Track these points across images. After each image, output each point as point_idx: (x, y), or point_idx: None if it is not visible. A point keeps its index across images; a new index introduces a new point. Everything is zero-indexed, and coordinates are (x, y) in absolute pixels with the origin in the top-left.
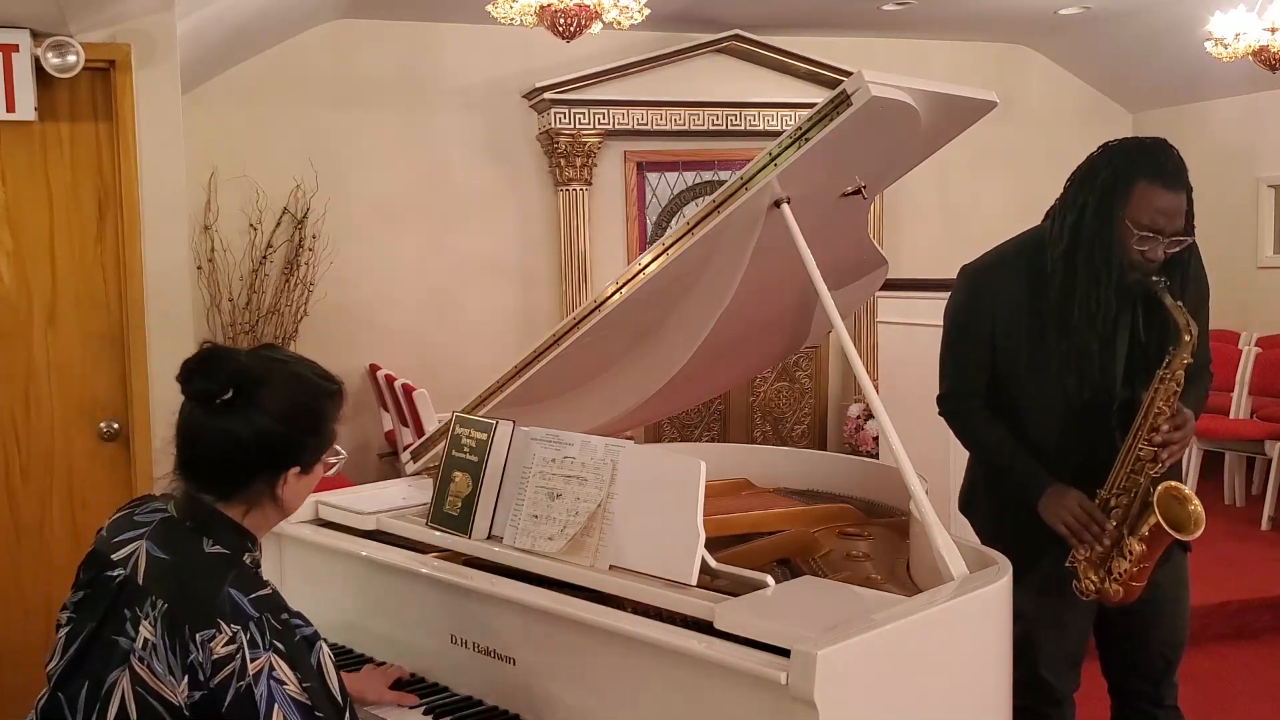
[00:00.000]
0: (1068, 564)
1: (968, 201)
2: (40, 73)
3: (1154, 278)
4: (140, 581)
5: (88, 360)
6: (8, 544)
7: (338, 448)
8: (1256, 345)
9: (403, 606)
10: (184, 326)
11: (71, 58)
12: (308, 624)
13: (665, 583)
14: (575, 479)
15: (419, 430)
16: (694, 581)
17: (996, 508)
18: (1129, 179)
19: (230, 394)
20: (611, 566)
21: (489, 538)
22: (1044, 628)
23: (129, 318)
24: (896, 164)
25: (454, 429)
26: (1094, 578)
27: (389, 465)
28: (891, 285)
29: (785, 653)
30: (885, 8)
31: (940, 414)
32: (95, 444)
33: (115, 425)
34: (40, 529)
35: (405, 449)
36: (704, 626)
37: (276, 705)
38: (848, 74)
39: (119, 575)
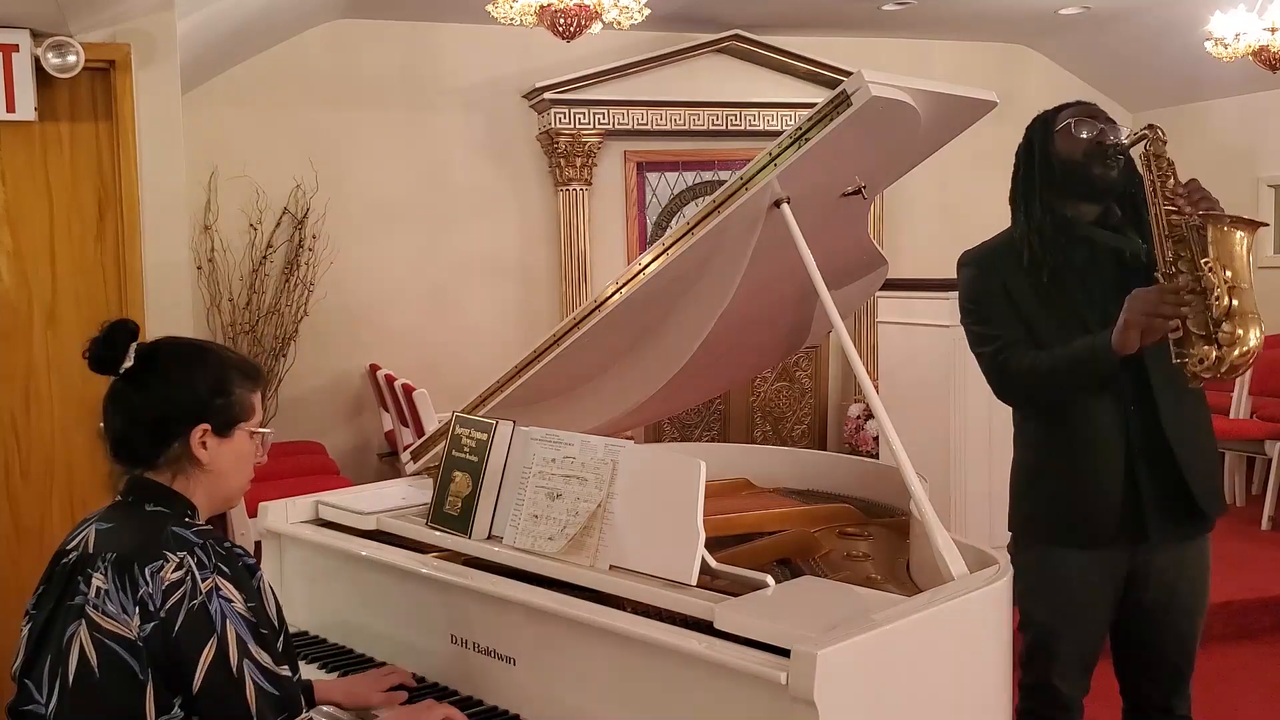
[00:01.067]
0: (1176, 359)
1: (968, 201)
2: (40, 73)
3: (1116, 150)
4: (90, 551)
5: None
6: (8, 544)
7: (265, 430)
8: None
9: (403, 606)
10: (184, 327)
11: (71, 58)
12: (248, 554)
13: (665, 583)
14: (575, 479)
15: (419, 430)
16: (694, 581)
17: (1029, 489)
18: (1048, 116)
19: (132, 361)
20: (611, 566)
21: (489, 538)
22: (1057, 635)
23: (129, 318)
24: (896, 164)
25: (454, 429)
26: (1205, 346)
27: (389, 465)
28: (891, 285)
29: (785, 653)
30: (885, 8)
31: (996, 382)
32: (95, 444)
33: None
34: (40, 529)
35: (405, 449)
36: (704, 626)
37: (228, 619)
38: (848, 74)
39: (72, 558)
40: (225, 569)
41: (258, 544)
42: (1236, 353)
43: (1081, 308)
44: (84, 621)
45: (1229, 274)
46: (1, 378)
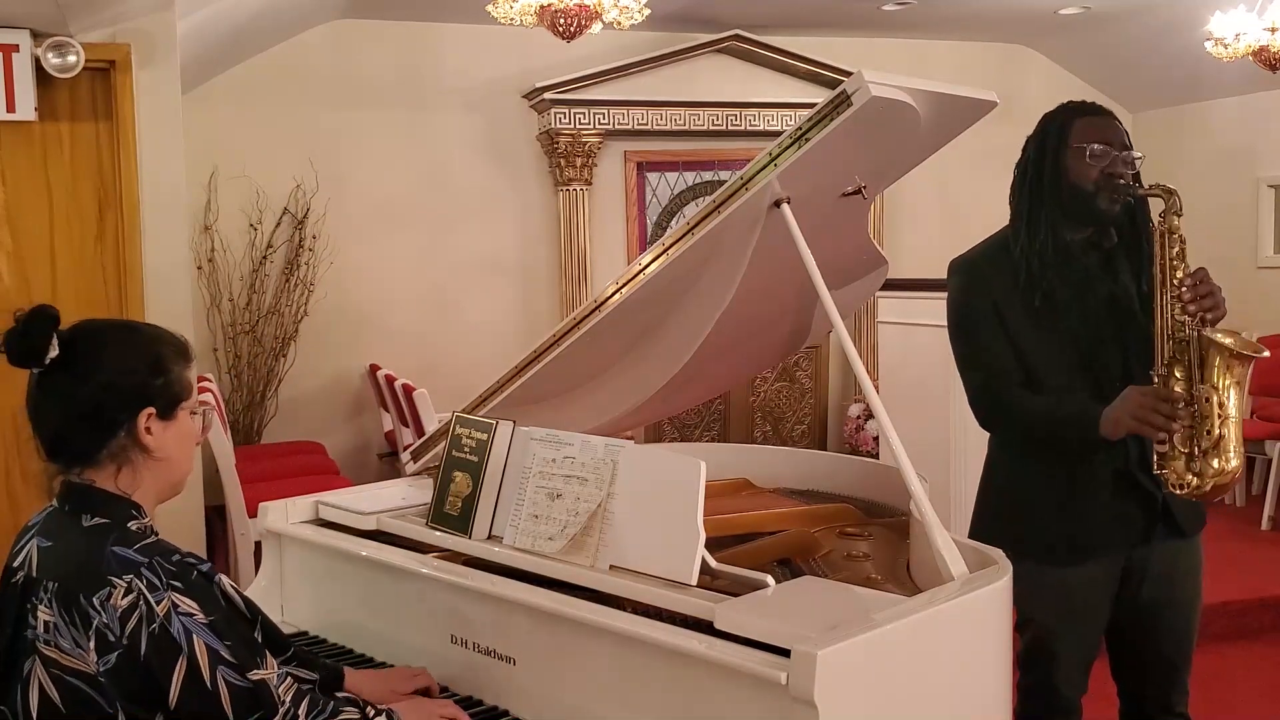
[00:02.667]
0: (1156, 471)
1: (968, 201)
2: (40, 73)
3: (1122, 184)
4: (34, 574)
5: None
6: (8, 545)
7: (203, 400)
8: None
9: (403, 606)
10: (184, 326)
11: (71, 58)
12: (203, 560)
13: (665, 583)
14: (575, 479)
15: (419, 430)
16: (694, 581)
17: (1014, 513)
18: (1064, 122)
19: (57, 350)
20: (611, 566)
21: (489, 538)
22: (1055, 635)
23: (129, 318)
24: (896, 164)
25: (454, 429)
26: (1186, 469)
27: (389, 465)
28: (891, 285)
29: (785, 653)
30: (885, 8)
31: (981, 414)
32: None
33: None
34: None
35: (405, 449)
36: (704, 626)
37: (195, 635)
38: (848, 74)
39: (20, 578)
40: (178, 584)
41: (258, 544)
42: (1211, 485)
43: (1075, 333)
44: (38, 658)
45: (1223, 405)
46: (1, 378)
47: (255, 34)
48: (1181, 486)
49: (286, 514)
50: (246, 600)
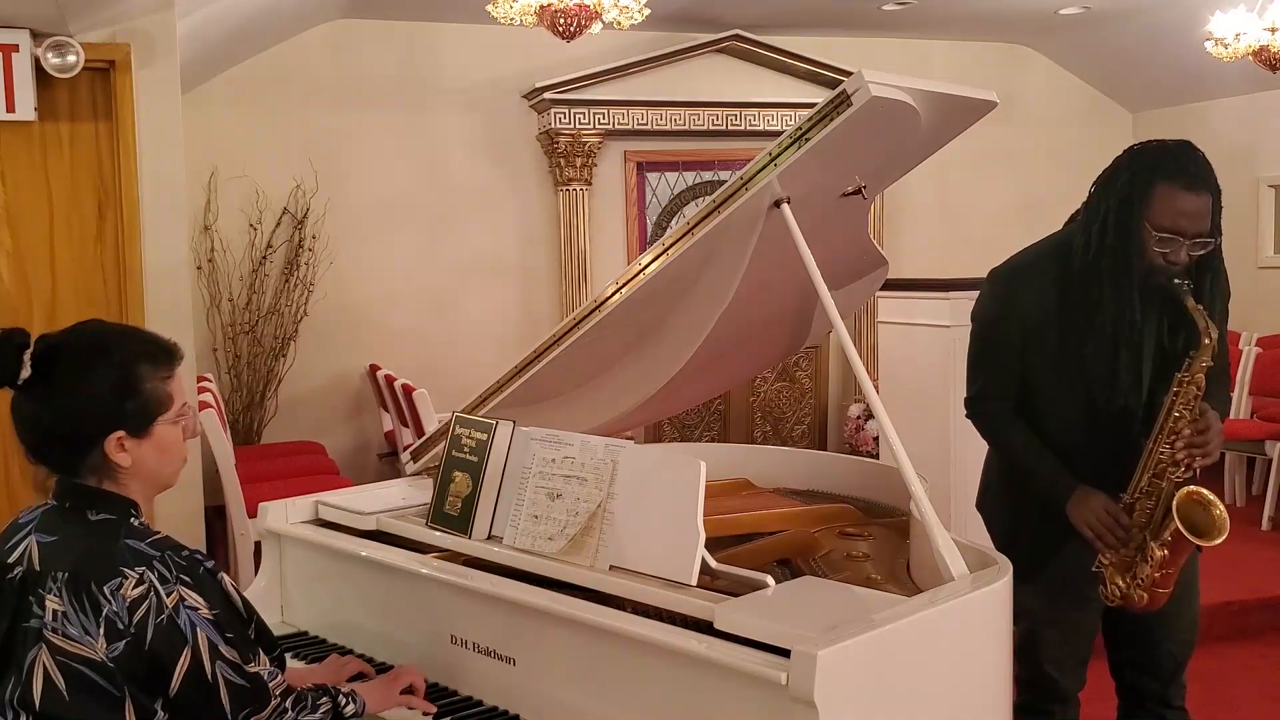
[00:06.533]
0: (1094, 568)
1: (968, 201)
2: (40, 73)
3: (1176, 280)
4: (38, 568)
5: None
6: None
7: (185, 404)
8: (1257, 345)
9: (403, 606)
10: (184, 326)
11: (71, 58)
12: (208, 557)
13: (665, 583)
14: (575, 479)
15: (419, 430)
16: (694, 581)
17: (1012, 508)
18: (1148, 181)
19: (29, 371)
20: (611, 567)
21: (489, 538)
22: (1050, 625)
23: (129, 318)
24: (896, 164)
25: (454, 429)
26: (1120, 582)
27: (389, 465)
28: (891, 285)
29: (785, 653)
30: (885, 8)
31: (967, 416)
32: None
33: None
34: None
35: (405, 449)
36: (704, 626)
37: (198, 628)
38: (848, 74)
39: (17, 574)
40: (187, 579)
41: (257, 544)
42: (1138, 606)
43: (1098, 366)
44: (44, 646)
45: (1165, 566)
46: None
47: (255, 34)
48: (1113, 597)
49: (286, 514)
50: (244, 599)
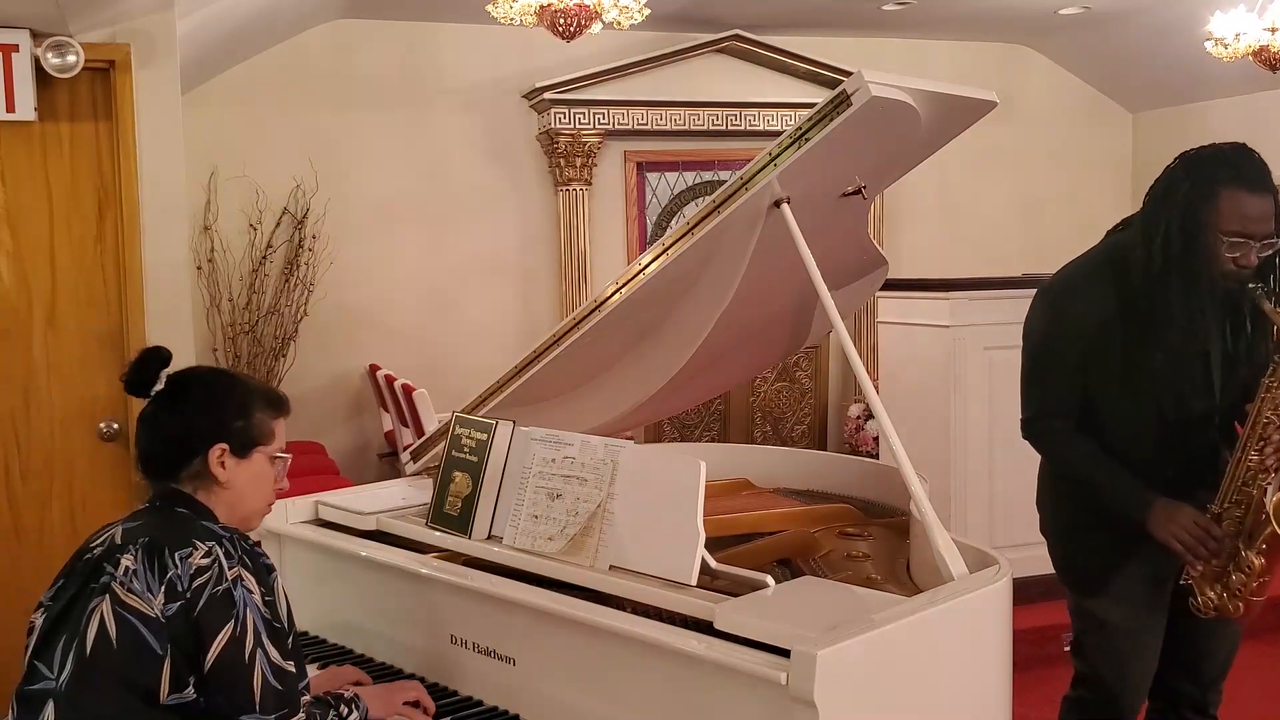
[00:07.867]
0: (1183, 580)
1: (968, 201)
2: (40, 73)
3: (1250, 285)
4: (119, 541)
5: (88, 360)
6: (8, 545)
7: (284, 455)
8: None
9: (403, 606)
10: (184, 326)
11: (71, 58)
12: (268, 557)
13: (665, 583)
14: (575, 479)
15: (419, 430)
16: (694, 581)
17: (1070, 526)
18: (1211, 189)
19: (162, 385)
20: (611, 567)
21: (489, 538)
22: (1126, 636)
23: (129, 318)
24: (896, 164)
25: (454, 429)
26: (1212, 594)
27: (389, 465)
28: (891, 285)
29: (785, 653)
30: (885, 8)
31: (1025, 437)
32: (95, 444)
33: (115, 425)
34: (40, 530)
35: (405, 449)
36: (704, 626)
37: (248, 608)
38: (848, 74)
39: (95, 552)
40: (248, 563)
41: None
42: (1234, 612)
43: (1169, 376)
44: (108, 596)
45: (1263, 575)
46: (1, 378)
47: (255, 34)
48: (1203, 608)
49: (286, 514)
50: (289, 611)
